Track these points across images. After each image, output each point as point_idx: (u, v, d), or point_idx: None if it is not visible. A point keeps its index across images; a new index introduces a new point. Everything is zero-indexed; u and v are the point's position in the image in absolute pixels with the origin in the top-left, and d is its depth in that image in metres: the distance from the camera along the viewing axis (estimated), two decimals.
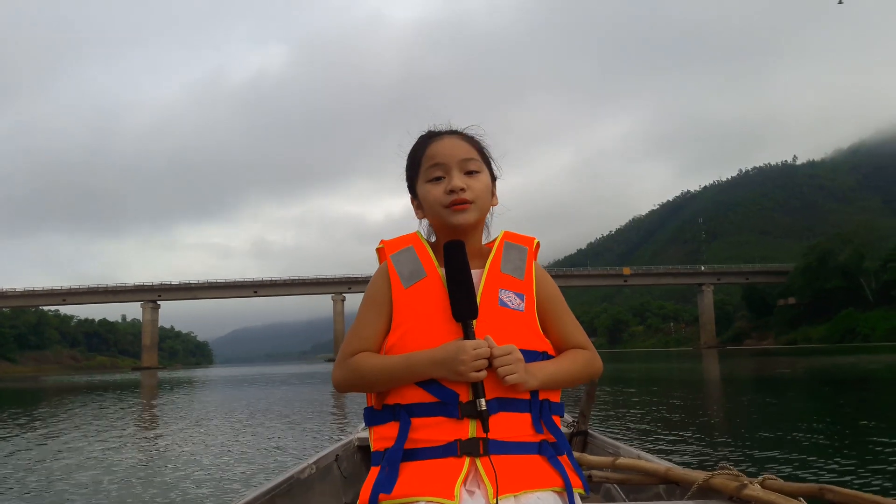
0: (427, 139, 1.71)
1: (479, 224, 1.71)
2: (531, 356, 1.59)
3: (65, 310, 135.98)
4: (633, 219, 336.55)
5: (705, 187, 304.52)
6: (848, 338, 78.96)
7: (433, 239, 1.76)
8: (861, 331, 78.65)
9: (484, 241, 1.75)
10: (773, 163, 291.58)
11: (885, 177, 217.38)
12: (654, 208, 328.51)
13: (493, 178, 1.74)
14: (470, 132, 1.74)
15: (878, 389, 15.66)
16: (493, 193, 1.73)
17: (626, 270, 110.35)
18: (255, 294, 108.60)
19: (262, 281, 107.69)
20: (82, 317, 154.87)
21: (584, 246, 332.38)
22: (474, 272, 1.62)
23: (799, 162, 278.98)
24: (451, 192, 1.63)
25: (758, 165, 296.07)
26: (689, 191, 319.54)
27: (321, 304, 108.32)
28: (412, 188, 1.75)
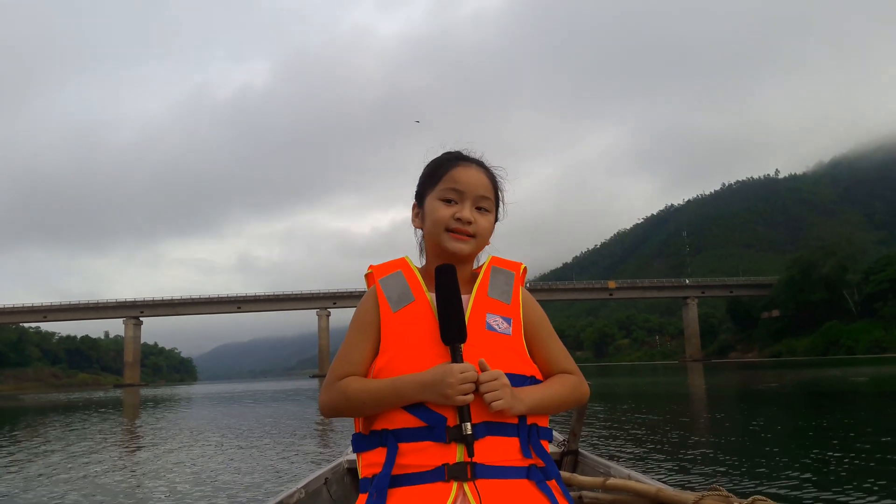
0: (456, 160, 1.73)
1: (472, 257, 1.74)
2: (518, 380, 1.59)
3: (46, 326, 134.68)
4: (617, 232, 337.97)
5: (689, 201, 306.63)
6: (832, 350, 79.52)
7: (422, 263, 1.79)
8: (845, 343, 79.26)
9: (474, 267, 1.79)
10: (755, 176, 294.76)
11: (865, 190, 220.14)
12: (639, 222, 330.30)
13: (496, 219, 1.78)
14: (495, 171, 1.78)
15: (866, 405, 15.56)
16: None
17: (612, 284, 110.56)
18: (239, 310, 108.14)
19: (246, 296, 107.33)
20: (64, 334, 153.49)
21: (569, 260, 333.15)
22: (462, 297, 1.64)
23: (781, 175, 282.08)
24: (459, 220, 1.66)
25: (740, 179, 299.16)
26: (672, 205, 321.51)
27: (306, 320, 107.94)
28: (421, 196, 1.77)
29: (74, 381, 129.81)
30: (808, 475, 6.54)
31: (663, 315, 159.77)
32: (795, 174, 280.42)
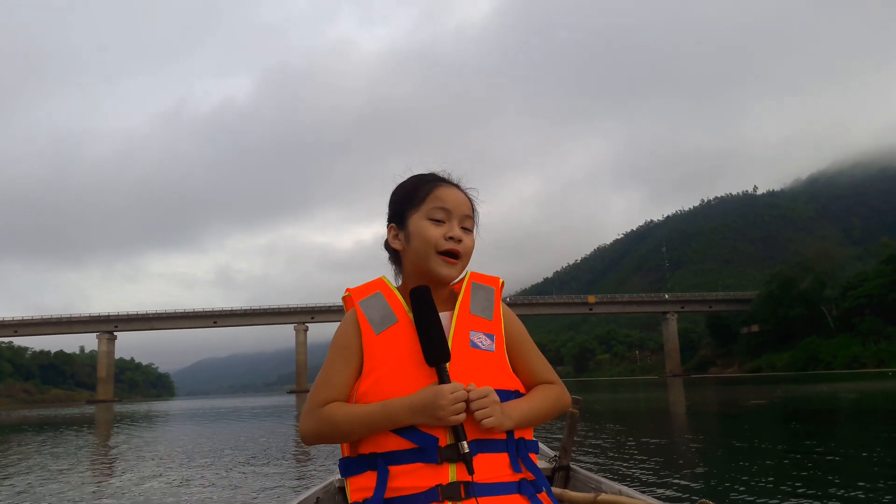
0: (437, 181, 1.74)
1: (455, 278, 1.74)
2: (504, 395, 1.60)
3: (19, 341, 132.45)
4: (597, 248, 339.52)
5: (668, 217, 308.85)
6: (811, 365, 79.76)
7: (399, 283, 1.78)
8: (823, 358, 79.44)
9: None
10: (734, 192, 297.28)
11: (843, 206, 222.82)
12: (619, 237, 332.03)
13: None
14: (471, 194, 1.79)
15: (859, 422, 15.23)
16: None
17: (591, 299, 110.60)
18: (215, 324, 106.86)
19: (222, 311, 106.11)
20: (38, 349, 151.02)
21: (550, 275, 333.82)
22: (444, 314, 1.66)
23: (759, 192, 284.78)
24: (451, 238, 1.66)
25: (719, 195, 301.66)
26: (652, 220, 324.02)
27: (285, 335, 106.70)
28: (400, 216, 1.75)
29: (47, 397, 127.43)
30: (797, 493, 6.31)
31: (643, 330, 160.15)
32: (773, 190, 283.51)
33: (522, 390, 1.68)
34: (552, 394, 1.72)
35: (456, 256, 1.68)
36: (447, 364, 1.56)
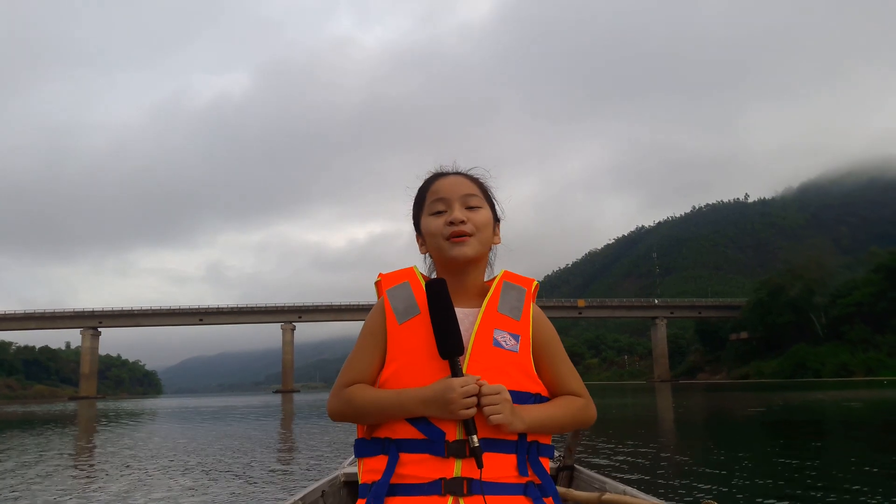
0: (433, 178, 1.78)
1: (480, 260, 1.75)
2: (522, 398, 1.61)
3: (3, 336, 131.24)
4: (588, 253, 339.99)
5: (659, 223, 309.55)
6: (799, 373, 79.84)
7: (433, 275, 1.80)
8: (812, 366, 79.67)
9: (487, 278, 1.80)
10: (725, 200, 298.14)
11: (833, 215, 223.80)
12: (610, 243, 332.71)
13: (497, 219, 1.81)
14: (474, 173, 1.81)
15: (864, 431, 14.84)
16: (495, 232, 1.79)
17: (581, 302, 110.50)
18: (201, 322, 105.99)
19: (209, 308, 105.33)
20: (22, 344, 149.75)
21: (540, 278, 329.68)
22: (471, 310, 1.69)
23: (750, 199, 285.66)
24: (451, 223, 1.68)
25: (710, 202, 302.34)
26: (643, 226, 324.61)
27: (275, 334, 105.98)
28: (417, 223, 1.80)
29: (30, 392, 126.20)
30: (803, 497, 6.30)
31: (632, 335, 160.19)
32: (765, 198, 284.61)
33: (546, 394, 1.68)
34: (574, 405, 1.70)
35: (463, 236, 1.68)
36: (461, 358, 1.57)
